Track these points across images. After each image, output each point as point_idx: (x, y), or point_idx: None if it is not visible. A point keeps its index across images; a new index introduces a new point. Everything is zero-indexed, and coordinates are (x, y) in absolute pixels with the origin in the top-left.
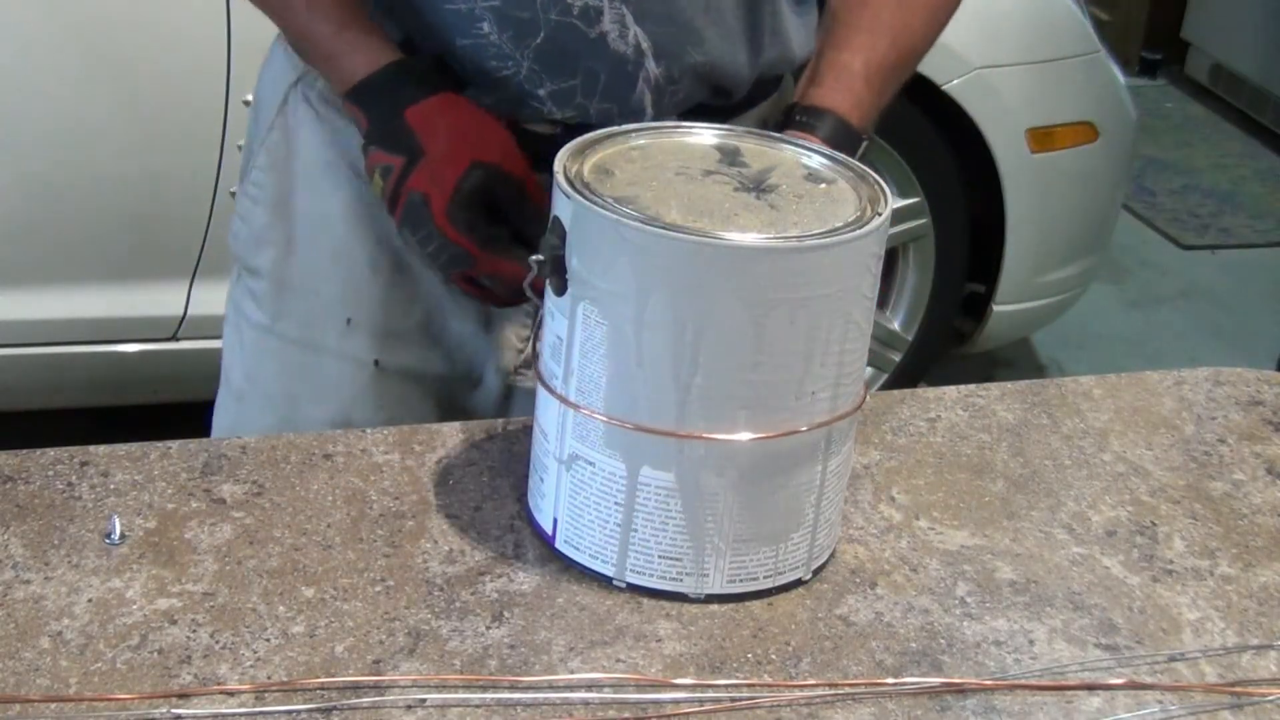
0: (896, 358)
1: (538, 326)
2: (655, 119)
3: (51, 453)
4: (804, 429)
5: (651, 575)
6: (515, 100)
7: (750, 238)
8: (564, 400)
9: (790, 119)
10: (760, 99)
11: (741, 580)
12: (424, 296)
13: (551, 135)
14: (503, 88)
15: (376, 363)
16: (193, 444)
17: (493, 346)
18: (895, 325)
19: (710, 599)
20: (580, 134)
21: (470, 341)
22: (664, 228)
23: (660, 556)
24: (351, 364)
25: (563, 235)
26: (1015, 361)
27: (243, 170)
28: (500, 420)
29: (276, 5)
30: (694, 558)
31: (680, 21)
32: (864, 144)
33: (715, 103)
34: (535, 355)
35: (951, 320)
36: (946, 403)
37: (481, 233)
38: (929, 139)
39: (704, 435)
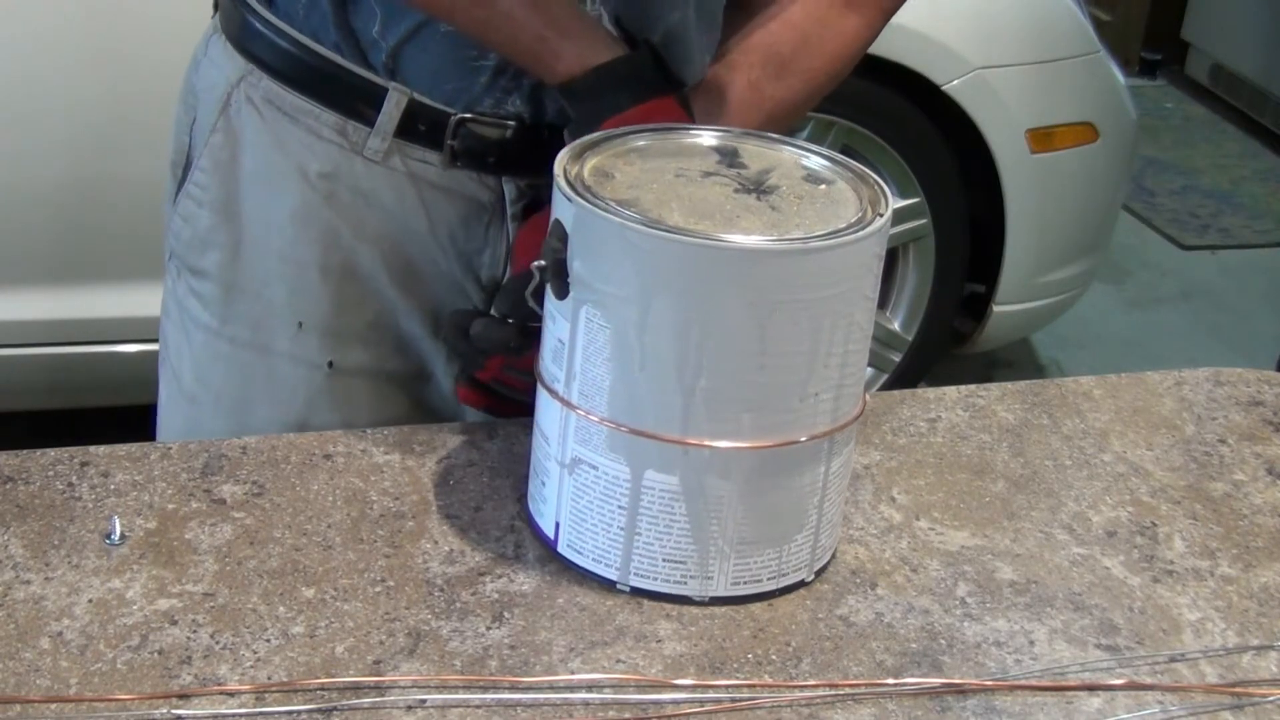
0: (896, 358)
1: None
2: None
3: (51, 453)
4: (807, 434)
5: (656, 579)
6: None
7: (754, 240)
8: (566, 403)
9: None
10: None
11: (745, 583)
12: (373, 297)
13: (502, 139)
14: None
15: (330, 364)
16: (193, 444)
17: (440, 348)
18: (895, 325)
19: (714, 602)
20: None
21: (420, 340)
22: (669, 231)
23: (665, 560)
24: (305, 367)
25: (564, 238)
26: (1015, 361)
27: (174, 165)
28: (500, 420)
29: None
30: (698, 561)
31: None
32: None
33: None
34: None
35: (951, 320)
36: (946, 403)
37: None
38: (929, 139)
39: (709, 438)
